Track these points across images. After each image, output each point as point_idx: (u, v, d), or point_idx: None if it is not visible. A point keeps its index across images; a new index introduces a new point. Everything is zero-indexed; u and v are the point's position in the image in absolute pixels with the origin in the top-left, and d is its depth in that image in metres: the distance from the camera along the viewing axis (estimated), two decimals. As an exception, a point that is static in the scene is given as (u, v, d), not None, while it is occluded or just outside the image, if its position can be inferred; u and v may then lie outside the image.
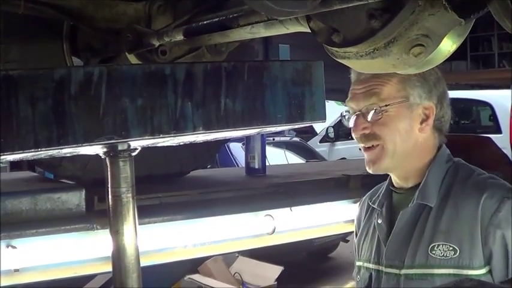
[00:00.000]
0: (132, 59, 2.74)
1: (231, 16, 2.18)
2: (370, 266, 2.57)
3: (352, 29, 1.77)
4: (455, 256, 2.30)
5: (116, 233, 1.70)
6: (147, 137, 1.55)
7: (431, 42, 1.72)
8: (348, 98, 2.54)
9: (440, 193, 2.44)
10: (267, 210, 3.26)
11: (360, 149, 2.54)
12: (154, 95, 1.54)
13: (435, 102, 2.51)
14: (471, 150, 4.85)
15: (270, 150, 11.71)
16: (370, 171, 2.54)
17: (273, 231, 3.25)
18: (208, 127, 1.61)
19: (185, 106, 1.57)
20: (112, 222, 1.71)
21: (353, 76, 2.54)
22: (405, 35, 1.69)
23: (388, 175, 2.60)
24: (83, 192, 2.80)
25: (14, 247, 2.60)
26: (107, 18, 2.71)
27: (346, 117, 2.58)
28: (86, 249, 2.75)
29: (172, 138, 1.61)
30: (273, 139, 12.81)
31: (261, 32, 2.20)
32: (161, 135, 1.56)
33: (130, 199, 1.71)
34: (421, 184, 2.48)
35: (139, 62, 2.69)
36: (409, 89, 2.46)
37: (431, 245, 2.36)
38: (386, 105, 2.44)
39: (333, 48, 1.83)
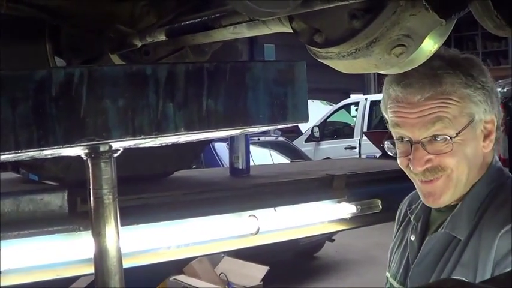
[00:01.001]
0: (116, 59, 2.74)
1: (213, 16, 2.18)
2: (395, 284, 2.37)
3: (334, 30, 1.77)
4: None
5: (98, 235, 1.70)
6: (128, 138, 1.54)
7: (413, 43, 1.73)
8: (394, 123, 2.20)
9: (472, 221, 2.14)
10: (251, 210, 3.25)
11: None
12: (135, 95, 1.53)
13: (496, 112, 2.20)
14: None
15: (255, 150, 11.72)
16: (431, 205, 2.25)
17: (257, 232, 3.24)
18: (191, 128, 1.61)
19: (167, 107, 1.57)
20: (94, 224, 1.70)
21: (393, 93, 2.19)
22: (387, 35, 1.69)
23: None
24: (66, 194, 2.79)
25: (-5, 249, 2.59)
26: (90, 18, 2.70)
27: (387, 142, 2.26)
28: (68, 251, 2.73)
29: (154, 139, 1.61)
30: (258, 139, 12.81)
31: (244, 32, 2.19)
32: (143, 136, 1.56)
33: (112, 200, 1.70)
34: (455, 211, 2.19)
35: (123, 63, 2.69)
36: (474, 106, 2.13)
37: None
38: (457, 134, 2.10)
39: (315, 48, 1.83)
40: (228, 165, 4.37)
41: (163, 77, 1.57)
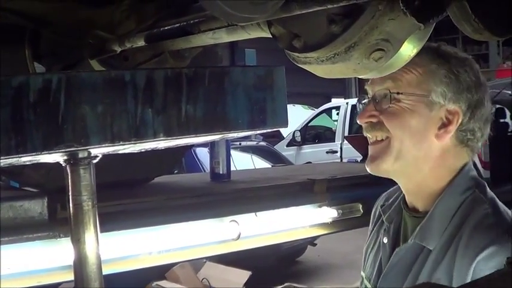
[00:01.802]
0: (95, 64, 2.73)
1: (192, 22, 2.18)
2: (369, 286, 2.37)
3: (313, 34, 1.77)
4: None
5: (78, 242, 1.69)
6: (107, 144, 1.54)
7: (392, 47, 1.73)
8: (367, 82, 2.25)
9: (445, 234, 2.10)
10: (231, 215, 3.25)
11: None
12: (114, 101, 1.53)
13: (463, 108, 2.16)
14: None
15: (237, 155, 11.71)
16: (368, 170, 2.24)
17: (238, 237, 3.24)
18: (169, 133, 1.61)
19: (145, 113, 1.57)
20: (73, 231, 1.70)
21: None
22: (365, 40, 1.70)
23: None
24: (46, 200, 2.78)
25: (-25, 256, 2.58)
26: (70, 24, 2.69)
27: (361, 103, 2.30)
28: (49, 257, 2.72)
29: (132, 145, 1.60)
30: (240, 144, 12.80)
31: (223, 37, 2.19)
32: (121, 143, 1.55)
33: (92, 207, 1.70)
34: (424, 221, 2.16)
35: (102, 68, 2.68)
36: (433, 84, 2.15)
37: None
38: (398, 93, 2.15)
39: (293, 53, 1.83)
40: (209, 170, 4.36)
41: (142, 83, 1.57)
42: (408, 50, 1.81)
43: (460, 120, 2.18)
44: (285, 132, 17.88)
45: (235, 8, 1.37)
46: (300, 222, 3.61)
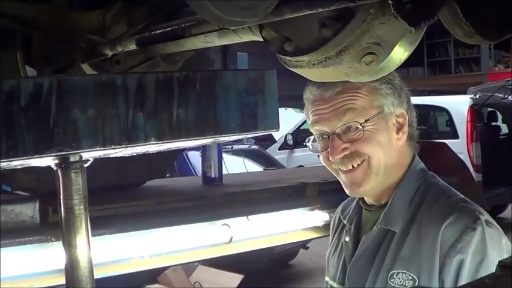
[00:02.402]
0: (87, 68, 2.72)
1: (183, 25, 2.18)
2: (335, 285, 2.48)
3: (304, 38, 1.77)
4: (412, 286, 2.17)
5: (69, 246, 1.70)
6: (98, 148, 1.54)
7: (383, 51, 1.73)
8: (312, 121, 2.38)
9: (407, 216, 2.30)
10: (223, 219, 3.24)
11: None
12: (105, 105, 1.53)
13: (406, 107, 2.40)
14: (428, 157, 4.89)
15: (229, 159, 11.70)
16: (353, 195, 2.42)
17: (230, 241, 3.24)
18: (161, 137, 1.61)
19: (137, 116, 1.57)
20: (64, 235, 1.70)
21: (310, 96, 2.39)
22: (357, 44, 1.70)
23: None
24: (37, 204, 2.77)
25: (-33, 260, 2.57)
26: (61, 27, 2.67)
27: (311, 142, 2.44)
28: (41, 261, 2.71)
29: (124, 149, 1.60)
30: (232, 147, 12.80)
31: (215, 41, 2.19)
32: (113, 146, 1.55)
33: (83, 211, 1.70)
34: (387, 205, 2.35)
35: (94, 72, 2.67)
36: (382, 99, 2.34)
37: (391, 273, 2.23)
38: (366, 121, 2.30)
39: (285, 57, 1.83)
40: (201, 174, 4.36)
41: (133, 87, 1.57)
42: (399, 53, 1.81)
43: (407, 119, 2.40)
44: (277, 135, 17.87)
45: (226, 11, 1.37)
46: (292, 225, 3.60)
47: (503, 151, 13.45)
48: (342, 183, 2.41)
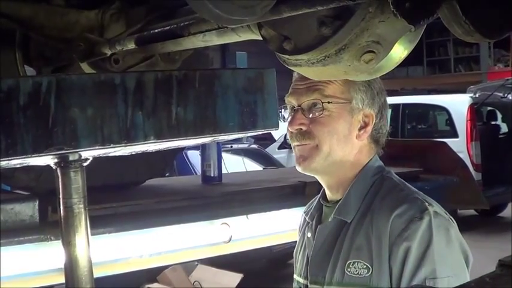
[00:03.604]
0: (86, 67, 2.72)
1: (182, 24, 2.17)
2: (301, 280, 2.51)
3: (303, 37, 1.76)
4: (367, 275, 2.23)
5: (68, 244, 1.69)
6: (97, 147, 1.53)
7: (382, 49, 1.72)
8: (288, 93, 2.43)
9: (361, 208, 2.35)
10: (223, 218, 3.24)
11: (295, 145, 2.41)
12: (104, 104, 1.53)
13: (376, 111, 2.42)
14: (428, 156, 4.90)
15: (228, 158, 11.68)
16: (300, 169, 2.43)
17: (230, 240, 3.24)
18: (160, 136, 1.61)
19: (136, 115, 1.57)
20: (64, 234, 1.70)
21: (296, 74, 2.43)
22: (356, 42, 1.69)
23: None
24: (37, 203, 2.78)
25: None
26: (59, 26, 2.67)
27: (282, 111, 2.47)
28: (40, 260, 2.71)
29: (123, 147, 1.60)
30: (231, 146, 12.78)
31: (214, 40, 2.18)
32: (112, 145, 1.55)
33: (82, 210, 1.69)
34: (342, 199, 2.39)
35: (93, 71, 2.67)
36: (353, 92, 2.37)
37: (348, 262, 2.28)
38: (329, 102, 2.33)
39: (284, 55, 1.82)
40: (200, 173, 4.36)
41: (132, 86, 1.57)
42: (399, 52, 1.81)
43: (374, 121, 2.42)
44: (277, 134, 17.85)
45: (225, 10, 1.37)
46: (291, 224, 3.60)
47: (502, 150, 13.44)
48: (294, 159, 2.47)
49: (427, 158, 4.22)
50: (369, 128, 2.41)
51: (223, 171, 4.18)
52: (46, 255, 2.71)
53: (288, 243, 3.61)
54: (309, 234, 2.49)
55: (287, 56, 1.82)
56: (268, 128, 1.81)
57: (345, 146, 2.38)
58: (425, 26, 1.70)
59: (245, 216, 3.33)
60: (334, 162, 2.37)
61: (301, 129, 2.37)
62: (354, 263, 2.25)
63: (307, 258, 2.47)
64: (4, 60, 3.05)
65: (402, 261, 2.17)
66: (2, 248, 2.63)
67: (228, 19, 1.39)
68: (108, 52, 2.53)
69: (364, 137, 2.41)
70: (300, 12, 1.55)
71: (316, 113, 2.35)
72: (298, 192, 3.71)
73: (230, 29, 2.02)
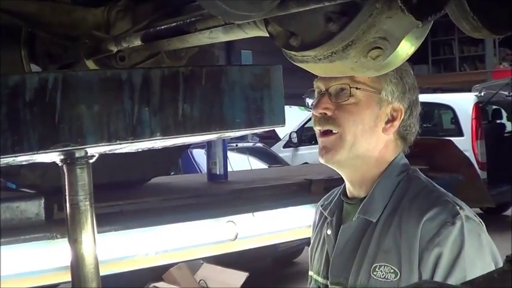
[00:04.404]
0: (91, 65, 2.71)
1: (188, 21, 2.17)
2: (319, 279, 2.46)
3: (310, 33, 1.75)
4: (395, 279, 2.16)
5: (75, 242, 1.69)
6: (103, 144, 1.53)
7: (389, 45, 1.71)
8: (316, 78, 2.36)
9: (387, 208, 2.28)
10: (229, 216, 3.24)
11: (318, 132, 2.35)
12: (110, 101, 1.52)
13: (405, 106, 2.37)
14: (433, 154, 4.89)
15: (234, 156, 11.69)
16: (322, 161, 2.37)
17: (236, 237, 3.23)
18: (166, 133, 1.60)
19: (142, 112, 1.56)
20: (70, 231, 1.69)
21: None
22: (363, 38, 1.68)
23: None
24: (42, 201, 2.77)
25: (-27, 257, 2.57)
26: (65, 24, 2.67)
27: (309, 97, 2.44)
28: (46, 258, 2.71)
29: (129, 144, 1.59)
30: (236, 145, 12.79)
31: (220, 36, 2.18)
32: (118, 142, 1.54)
33: (89, 207, 1.69)
34: (367, 196, 2.34)
35: (98, 68, 2.67)
36: (384, 83, 2.32)
37: (374, 265, 2.22)
38: (357, 88, 2.28)
39: (291, 52, 1.82)
40: (205, 171, 4.36)
41: (139, 82, 1.56)
42: (406, 48, 1.80)
43: (402, 117, 2.36)
44: (282, 133, 17.86)
45: (232, 6, 1.36)
46: (297, 222, 3.60)
47: (508, 149, 13.42)
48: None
49: (432, 156, 4.21)
50: (397, 123, 2.35)
51: (228, 169, 4.17)
52: (52, 253, 2.70)
53: (294, 241, 3.61)
54: (329, 232, 2.44)
55: (294, 53, 1.82)
56: (275, 125, 1.80)
57: (370, 138, 2.33)
58: (432, 23, 1.69)
59: (251, 214, 3.32)
60: (358, 155, 2.32)
61: (325, 114, 2.31)
62: (380, 266, 2.20)
63: (327, 256, 2.43)
64: (10, 57, 3.05)
65: (433, 267, 2.13)
66: (8, 246, 2.63)
67: (236, 14, 1.39)
68: (114, 49, 2.53)
69: (390, 131, 2.36)
70: (307, 8, 1.55)
71: (344, 98, 2.30)
72: (304, 190, 3.71)
73: (236, 25, 2.02)
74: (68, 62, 2.83)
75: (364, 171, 2.37)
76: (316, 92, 2.39)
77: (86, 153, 1.65)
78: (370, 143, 2.33)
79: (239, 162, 11.00)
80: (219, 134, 1.77)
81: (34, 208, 2.76)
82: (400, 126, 2.36)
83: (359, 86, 2.29)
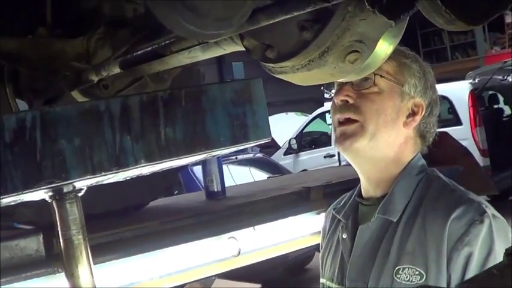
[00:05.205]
0: (78, 96, 2.71)
1: (163, 43, 2.16)
2: (333, 286, 2.40)
3: (285, 43, 1.75)
4: (421, 281, 2.11)
5: (71, 276, 1.70)
6: (88, 177, 1.52)
7: (366, 47, 1.70)
8: None
9: (408, 209, 2.24)
10: (229, 232, 3.23)
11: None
12: (91, 133, 1.52)
13: (426, 103, 2.34)
14: (429, 147, 4.89)
15: (235, 169, 11.67)
16: (340, 149, 2.32)
17: (239, 253, 3.22)
18: (151, 159, 1.60)
19: (124, 140, 1.55)
20: (66, 266, 1.70)
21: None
22: (338, 43, 1.67)
23: (357, 184, 2.46)
24: (41, 237, 2.76)
25: (-25, 300, 2.57)
26: (45, 57, 2.66)
27: (327, 89, 2.40)
28: (49, 293, 2.70)
29: (114, 174, 1.58)
30: (236, 158, 12.78)
31: (199, 55, 2.17)
32: (103, 173, 1.54)
33: (82, 240, 1.69)
34: (387, 196, 2.29)
35: (85, 99, 2.66)
36: (407, 76, 2.31)
37: (397, 268, 2.16)
38: (381, 76, 2.26)
39: (268, 64, 1.81)
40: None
41: (117, 111, 1.55)
42: (384, 48, 1.79)
43: (423, 113, 2.33)
44: (281, 141, 17.86)
45: (200, 26, 1.36)
46: (300, 231, 3.59)
47: (508, 133, 13.39)
48: (333, 137, 2.40)
49: (429, 150, 4.19)
50: (418, 118, 2.32)
51: (231, 183, 4.18)
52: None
53: (302, 249, 3.60)
54: (345, 235, 2.39)
55: (271, 65, 1.81)
56: (261, 139, 1.79)
57: (391, 130, 2.29)
58: (407, 19, 1.68)
59: (252, 228, 3.32)
60: (378, 146, 2.29)
61: (347, 101, 2.28)
62: (404, 268, 2.15)
63: (342, 261, 2.38)
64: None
65: (464, 267, 2.09)
66: (11, 285, 2.62)
67: (204, 34, 1.39)
68: (95, 78, 2.52)
69: (411, 126, 2.31)
70: (277, 20, 1.54)
71: (366, 86, 2.27)
72: (303, 198, 3.70)
73: (214, 42, 2.01)
74: (52, 95, 2.83)
75: (382, 168, 2.33)
76: (335, 84, 2.35)
77: (74, 187, 1.64)
78: (390, 135, 2.29)
79: (241, 175, 10.98)
80: (206, 154, 1.76)
81: (33, 244, 2.75)
82: (420, 122, 2.33)
83: (383, 74, 2.27)
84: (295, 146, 17.04)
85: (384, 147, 2.30)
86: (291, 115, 20.17)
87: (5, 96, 3.07)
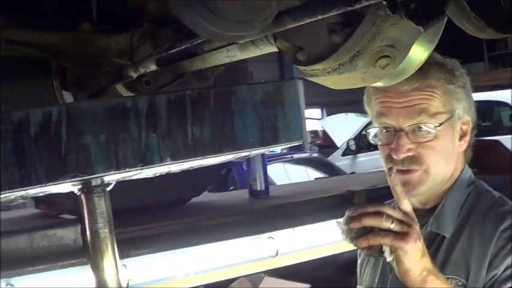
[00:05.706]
0: (123, 90, 2.74)
1: (195, 43, 2.17)
2: None
3: (315, 46, 1.74)
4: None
5: (97, 269, 1.71)
6: (112, 172, 1.53)
7: (398, 53, 1.69)
8: (379, 112, 2.25)
9: (456, 221, 2.21)
10: (269, 232, 3.23)
11: (396, 169, 2.25)
12: (116, 129, 1.53)
13: (472, 115, 2.29)
14: (481, 155, 4.82)
15: (291, 168, 11.69)
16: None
17: (277, 254, 3.22)
18: (176, 157, 1.60)
19: (150, 138, 1.56)
20: (92, 258, 1.71)
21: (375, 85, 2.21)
22: (369, 48, 1.66)
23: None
24: (79, 227, 2.79)
25: (12, 285, 2.60)
26: (88, 52, 2.70)
27: (373, 133, 2.30)
28: (84, 284, 2.73)
29: (139, 171, 1.59)
30: (292, 156, 12.77)
31: (238, 55, 2.17)
32: (127, 169, 1.55)
33: (108, 234, 1.70)
34: (437, 210, 2.25)
35: (131, 94, 2.69)
36: (455, 103, 2.22)
37: None
38: (440, 125, 2.17)
39: (300, 67, 1.81)
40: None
41: (144, 109, 1.56)
42: (418, 53, 1.77)
43: (471, 128, 2.28)
44: (340, 141, 17.80)
45: (220, 27, 1.36)
46: (339, 235, 3.56)
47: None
48: (390, 184, 2.21)
49: (479, 158, 4.12)
50: (468, 137, 2.27)
51: (287, 181, 4.18)
52: (90, 279, 2.73)
53: (354, 250, 3.56)
54: None
55: (303, 67, 1.80)
56: (292, 142, 1.77)
57: (451, 162, 2.25)
58: (444, 25, 1.66)
59: (291, 229, 3.31)
60: (438, 179, 2.24)
61: (408, 155, 2.20)
62: (448, 279, 2.09)
63: (383, 270, 2.34)
64: (42, 88, 3.09)
65: (503, 276, 2.08)
66: (47, 272, 2.67)
67: (226, 35, 1.39)
68: (134, 75, 2.54)
69: (463, 147, 2.28)
70: (303, 23, 1.53)
71: (424, 137, 2.20)
72: (345, 201, 3.67)
73: (250, 42, 2.01)
74: (96, 89, 2.86)
75: (434, 186, 2.27)
76: (382, 129, 2.27)
77: (103, 181, 1.66)
78: (450, 167, 2.26)
79: (297, 174, 10.98)
80: (233, 155, 1.76)
81: (71, 234, 2.78)
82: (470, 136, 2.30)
83: (436, 118, 2.19)
84: (353, 147, 16.93)
85: (442, 176, 2.25)
86: (351, 115, 20.04)
87: (51, 89, 3.12)
